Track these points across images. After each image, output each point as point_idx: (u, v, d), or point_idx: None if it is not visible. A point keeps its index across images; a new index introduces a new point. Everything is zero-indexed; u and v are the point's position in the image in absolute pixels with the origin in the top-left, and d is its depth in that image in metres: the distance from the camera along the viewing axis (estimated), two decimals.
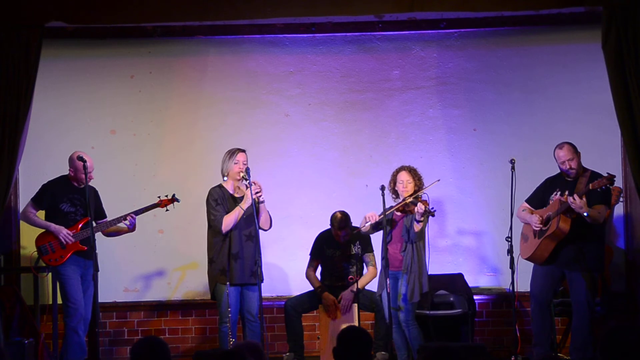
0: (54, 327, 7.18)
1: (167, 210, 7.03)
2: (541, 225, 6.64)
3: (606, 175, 6.37)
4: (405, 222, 6.86)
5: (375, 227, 6.96)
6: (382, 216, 6.77)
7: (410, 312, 6.85)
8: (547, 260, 6.68)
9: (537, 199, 6.83)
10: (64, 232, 6.80)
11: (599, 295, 7.30)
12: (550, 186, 6.81)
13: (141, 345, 4.26)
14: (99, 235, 6.88)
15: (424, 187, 6.93)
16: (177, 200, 7.04)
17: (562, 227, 6.52)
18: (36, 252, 6.87)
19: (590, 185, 6.42)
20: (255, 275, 6.59)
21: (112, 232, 7.08)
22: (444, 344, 6.97)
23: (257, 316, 6.72)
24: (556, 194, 6.70)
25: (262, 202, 6.75)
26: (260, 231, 6.64)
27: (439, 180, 6.91)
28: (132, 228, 6.96)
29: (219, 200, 6.76)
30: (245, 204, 6.69)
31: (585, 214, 6.42)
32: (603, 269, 6.86)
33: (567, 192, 6.57)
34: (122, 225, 6.97)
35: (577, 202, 6.40)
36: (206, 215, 6.80)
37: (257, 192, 6.64)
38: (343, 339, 4.33)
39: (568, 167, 6.64)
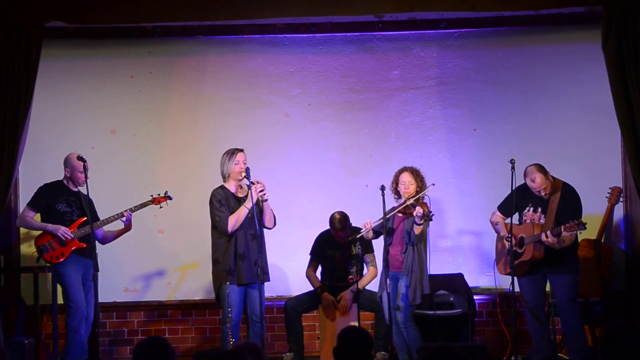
0: (54, 327, 7.18)
1: (160, 207, 7.08)
2: (515, 248, 6.67)
3: (576, 222, 6.39)
4: (406, 225, 6.86)
5: (377, 232, 6.98)
6: (381, 220, 6.77)
7: (408, 313, 6.85)
8: (527, 272, 6.74)
9: (509, 208, 6.81)
10: (62, 229, 6.80)
11: (599, 295, 7.30)
12: (522, 198, 6.80)
13: (144, 345, 4.24)
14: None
15: (423, 191, 6.93)
16: (170, 198, 7.08)
17: (536, 255, 6.62)
18: (36, 252, 6.88)
19: (563, 227, 6.46)
20: (263, 274, 6.61)
21: (109, 236, 7.09)
22: (444, 344, 6.97)
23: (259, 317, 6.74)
24: (529, 210, 6.75)
25: (266, 200, 6.76)
26: (265, 230, 6.68)
27: (433, 184, 6.88)
28: (127, 224, 6.97)
29: (223, 201, 6.77)
30: (250, 204, 6.70)
31: (558, 247, 6.52)
32: (578, 270, 6.87)
33: (540, 214, 6.63)
34: (118, 224, 6.98)
35: (549, 240, 6.48)
36: (210, 216, 6.80)
37: (261, 191, 6.65)
38: (343, 339, 4.33)
39: (544, 194, 6.68)
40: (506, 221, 6.84)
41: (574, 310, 6.68)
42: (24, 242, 7.74)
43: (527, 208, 6.78)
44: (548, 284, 6.84)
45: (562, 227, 6.46)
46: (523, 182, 6.78)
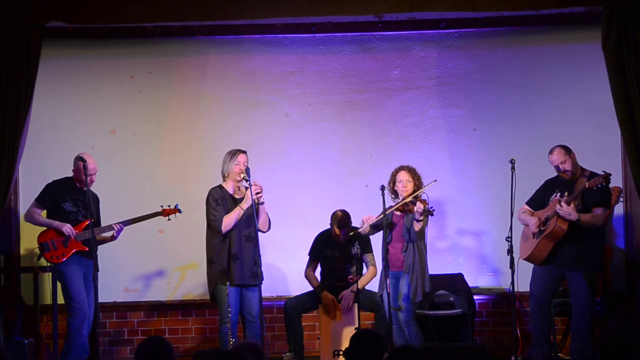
0: (54, 327, 7.18)
1: (169, 219, 7.08)
2: (539, 227, 6.66)
3: (602, 173, 6.39)
4: (405, 222, 6.86)
5: (375, 227, 6.97)
6: (380, 216, 6.77)
7: (410, 312, 6.85)
8: (546, 260, 6.70)
9: (537, 201, 6.85)
10: (67, 226, 6.81)
11: (599, 295, 7.30)
12: (549, 188, 6.83)
13: (145, 345, 4.24)
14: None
15: (422, 187, 6.94)
16: (180, 211, 7.09)
17: (559, 226, 6.55)
18: (38, 249, 6.89)
19: (587, 184, 6.46)
20: (255, 276, 6.59)
21: (98, 241, 7.09)
22: (444, 344, 6.98)
23: (257, 317, 6.71)
24: (556, 195, 6.72)
25: (262, 203, 6.75)
26: (259, 233, 6.67)
27: (435, 180, 6.90)
28: (117, 236, 6.98)
29: (219, 201, 6.77)
30: (246, 205, 6.70)
31: (575, 219, 6.45)
32: (603, 269, 6.88)
33: (566, 193, 6.59)
34: (106, 235, 7.01)
35: (564, 208, 6.44)
36: (205, 214, 6.81)
37: (257, 193, 6.65)
38: (356, 342, 4.31)
39: (563, 169, 6.67)
40: (525, 211, 6.84)
41: (586, 311, 6.62)
42: (25, 242, 7.73)
43: (554, 194, 6.76)
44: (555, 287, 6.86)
45: (587, 183, 6.45)
46: (547, 176, 6.82)
